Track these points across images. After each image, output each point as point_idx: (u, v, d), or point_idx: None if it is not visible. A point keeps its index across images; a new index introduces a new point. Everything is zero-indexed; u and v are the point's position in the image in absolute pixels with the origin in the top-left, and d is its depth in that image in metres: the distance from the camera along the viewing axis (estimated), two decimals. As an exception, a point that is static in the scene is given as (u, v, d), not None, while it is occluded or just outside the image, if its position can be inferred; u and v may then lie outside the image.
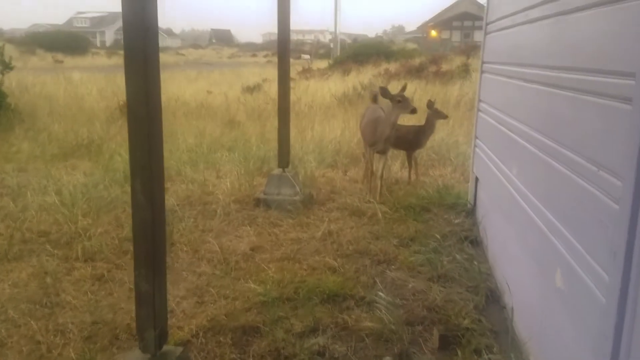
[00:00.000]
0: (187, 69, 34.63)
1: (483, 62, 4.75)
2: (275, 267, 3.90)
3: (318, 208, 5.26)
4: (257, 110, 12.01)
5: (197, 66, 40.42)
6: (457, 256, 4.03)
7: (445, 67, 19.02)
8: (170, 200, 5.31)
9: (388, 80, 16.89)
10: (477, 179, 4.86)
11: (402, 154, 6.71)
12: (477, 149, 4.83)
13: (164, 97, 2.23)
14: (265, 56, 51.16)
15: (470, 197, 5.02)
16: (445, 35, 55.55)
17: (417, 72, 17.24)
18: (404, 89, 5.41)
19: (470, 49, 26.81)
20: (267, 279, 3.67)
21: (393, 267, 3.98)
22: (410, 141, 6.19)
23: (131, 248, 2.57)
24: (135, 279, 2.29)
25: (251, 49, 71.95)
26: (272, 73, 26.63)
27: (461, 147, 7.75)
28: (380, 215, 4.92)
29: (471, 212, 4.90)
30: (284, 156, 5.38)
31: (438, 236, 4.31)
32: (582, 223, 2.08)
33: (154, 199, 2.20)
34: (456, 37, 55.42)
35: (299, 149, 7.63)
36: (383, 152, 5.53)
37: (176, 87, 18.57)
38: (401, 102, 5.13)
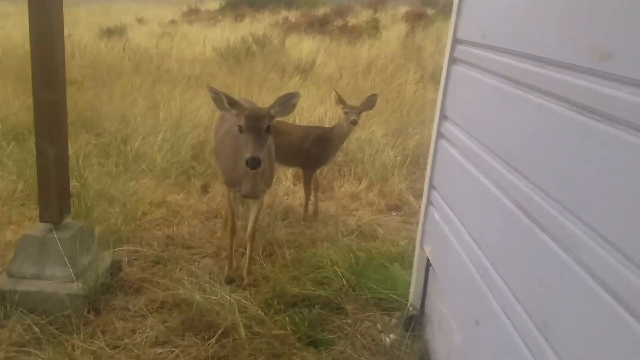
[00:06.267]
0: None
1: (456, 42, 2.30)
2: None
3: (121, 309, 2.62)
4: (106, 66, 8.77)
5: (67, -3, 34.17)
6: None
7: (352, 21, 16.56)
8: None
9: (287, 32, 14.12)
10: (428, 262, 2.54)
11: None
12: (432, 210, 2.46)
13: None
14: (152, -9, 45.17)
15: (413, 295, 2.66)
16: (351, -16, 53.10)
17: (320, 26, 14.63)
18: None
19: (378, 2, 24.61)
20: None
21: None
22: (308, 154, 3.73)
23: None
24: None
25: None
26: (152, 12, 22.50)
27: (378, 145, 5.42)
28: (242, 332, 2.46)
29: (415, 324, 2.59)
30: (52, 200, 2.64)
31: None
32: None
33: None
34: (361, -13, 53.21)
35: (140, 139, 4.90)
36: (255, 197, 2.95)
37: (16, 25, 14.34)
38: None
